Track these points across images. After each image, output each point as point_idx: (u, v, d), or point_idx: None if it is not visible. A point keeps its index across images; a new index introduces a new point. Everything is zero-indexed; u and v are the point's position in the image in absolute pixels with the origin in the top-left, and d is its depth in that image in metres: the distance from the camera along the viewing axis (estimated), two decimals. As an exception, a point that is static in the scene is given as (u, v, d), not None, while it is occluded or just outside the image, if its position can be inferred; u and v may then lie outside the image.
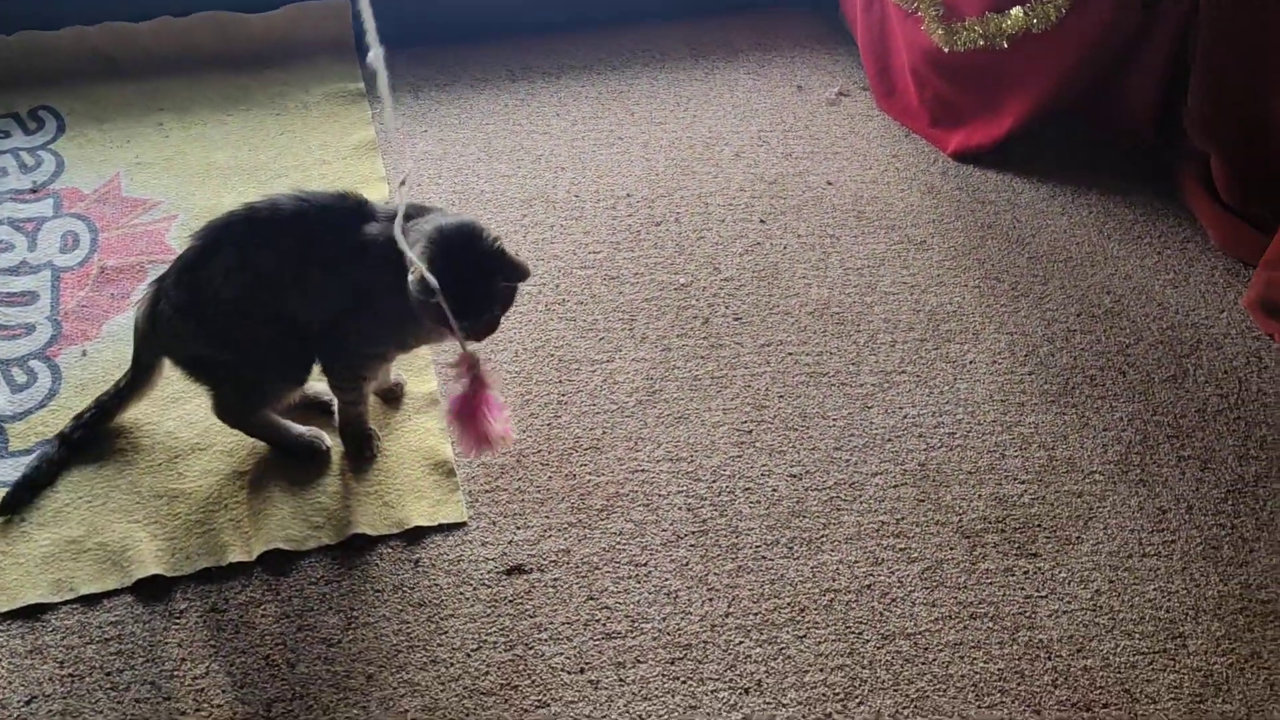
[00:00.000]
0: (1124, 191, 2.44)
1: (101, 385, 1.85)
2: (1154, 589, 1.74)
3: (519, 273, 1.58)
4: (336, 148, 2.36)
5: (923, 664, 1.63)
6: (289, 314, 1.64)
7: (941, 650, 1.65)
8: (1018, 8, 2.28)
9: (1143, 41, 2.30)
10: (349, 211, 1.64)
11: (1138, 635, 1.68)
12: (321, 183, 2.27)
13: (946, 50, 2.38)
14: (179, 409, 1.86)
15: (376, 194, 2.26)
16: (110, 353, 1.93)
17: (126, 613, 1.62)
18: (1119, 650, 1.66)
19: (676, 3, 2.88)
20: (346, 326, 1.66)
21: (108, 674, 1.55)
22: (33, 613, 1.61)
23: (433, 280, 1.46)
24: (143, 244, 2.12)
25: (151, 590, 1.65)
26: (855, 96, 2.68)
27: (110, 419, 1.80)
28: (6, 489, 1.72)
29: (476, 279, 1.54)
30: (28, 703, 1.52)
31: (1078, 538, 1.80)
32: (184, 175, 2.27)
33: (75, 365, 1.91)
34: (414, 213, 1.61)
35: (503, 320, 1.63)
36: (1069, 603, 1.71)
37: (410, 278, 1.49)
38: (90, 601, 1.63)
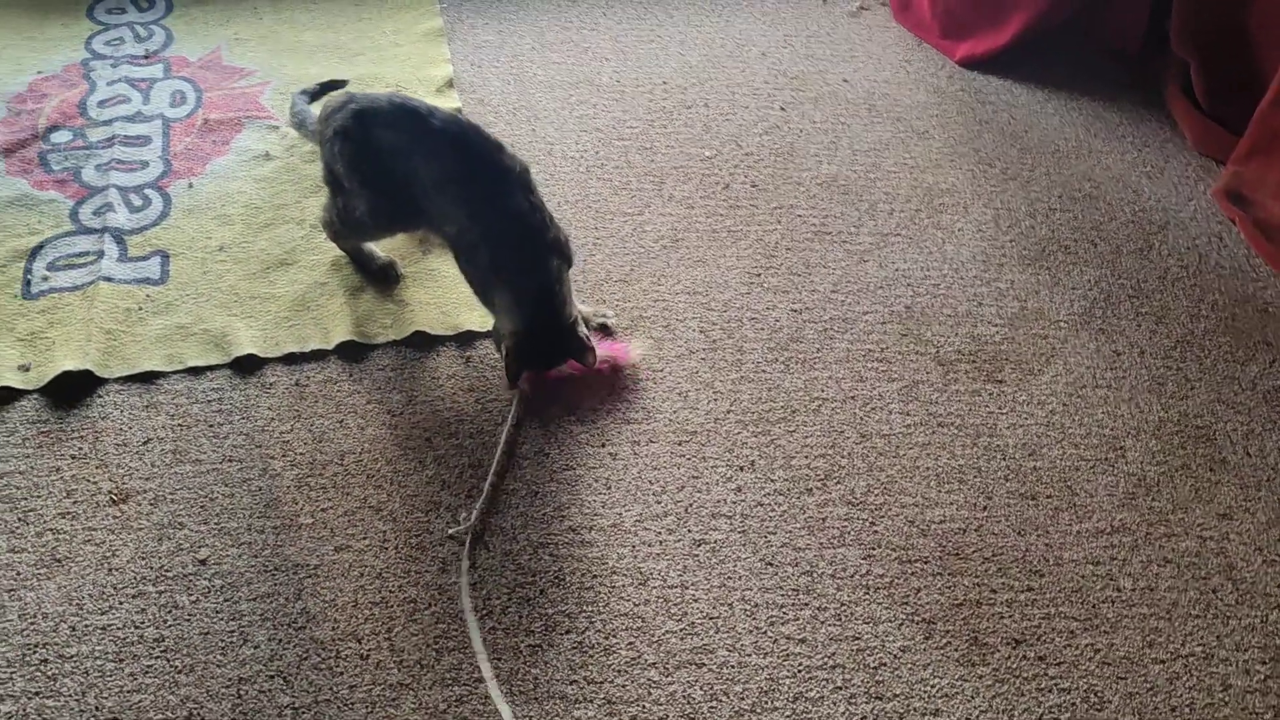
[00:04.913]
0: (1113, 98, 2.70)
1: (205, 211, 2.20)
2: (1102, 413, 2.01)
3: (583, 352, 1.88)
4: (408, 33, 2.68)
5: (894, 457, 1.91)
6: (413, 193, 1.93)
7: (911, 448, 1.93)
8: (1021, -75, 2.54)
9: (1134, -41, 2.56)
10: (496, 149, 1.90)
11: (1084, 446, 1.95)
12: (394, 62, 2.59)
13: (956, -35, 2.65)
14: (271, 231, 2.18)
15: (441, 73, 2.57)
16: (212, 186, 2.26)
17: (226, 382, 1.95)
18: (1065, 456, 1.93)
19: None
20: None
21: (210, 426, 1.88)
22: (148, 378, 1.94)
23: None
24: (241, 103, 2.45)
25: (247, 366, 1.97)
26: (875, 10, 2.95)
27: None
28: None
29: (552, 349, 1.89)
30: (145, 443, 1.84)
31: (1040, 370, 2.07)
32: (276, 49, 2.60)
33: (183, 195, 2.24)
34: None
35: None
36: (1026, 419, 1.99)
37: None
38: (196, 373, 1.95)
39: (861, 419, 1.97)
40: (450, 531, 1.75)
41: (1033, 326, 2.15)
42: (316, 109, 2.12)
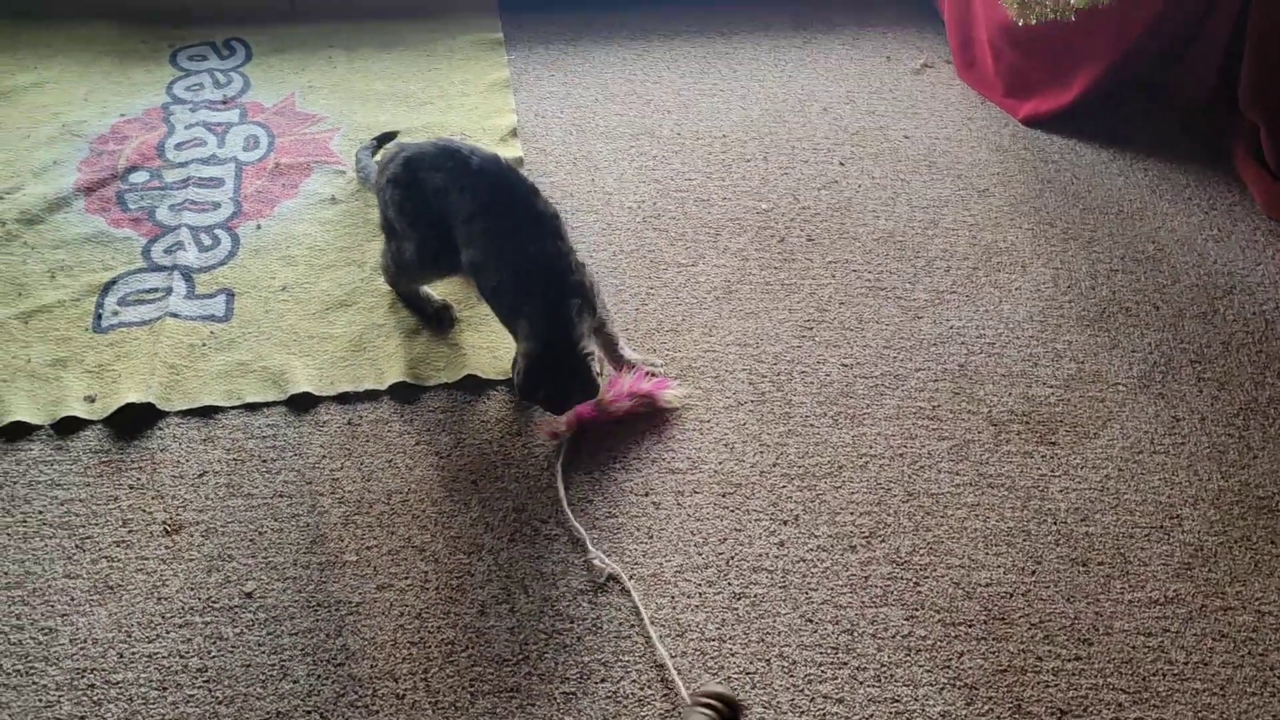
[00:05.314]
0: (1180, 159, 2.66)
1: (271, 252, 2.27)
2: (1159, 479, 1.96)
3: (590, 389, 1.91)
4: (475, 84, 2.74)
5: (941, 517, 1.89)
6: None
7: (959, 509, 1.90)
8: (1086, -17, 2.52)
9: (1206, 17, 2.53)
10: (532, 193, 1.96)
11: (1139, 513, 1.91)
12: (460, 111, 2.65)
13: (1020, 23, 2.63)
14: (333, 273, 2.23)
15: (505, 123, 2.62)
16: (279, 227, 2.33)
17: (281, 419, 1.99)
18: (1119, 523, 1.89)
19: (784, -19, 3.18)
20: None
21: (264, 461, 1.92)
22: (207, 413, 1.99)
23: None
24: (311, 148, 2.52)
25: (302, 404, 2.01)
26: (939, 68, 2.95)
27: None
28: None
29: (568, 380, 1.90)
30: (200, 475, 1.89)
31: (1095, 434, 2.03)
32: (347, 97, 2.68)
33: (251, 235, 2.31)
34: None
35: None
36: (1079, 483, 1.95)
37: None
38: (253, 409, 2.00)
39: (909, 477, 1.95)
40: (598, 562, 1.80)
41: (1089, 389, 2.11)
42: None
